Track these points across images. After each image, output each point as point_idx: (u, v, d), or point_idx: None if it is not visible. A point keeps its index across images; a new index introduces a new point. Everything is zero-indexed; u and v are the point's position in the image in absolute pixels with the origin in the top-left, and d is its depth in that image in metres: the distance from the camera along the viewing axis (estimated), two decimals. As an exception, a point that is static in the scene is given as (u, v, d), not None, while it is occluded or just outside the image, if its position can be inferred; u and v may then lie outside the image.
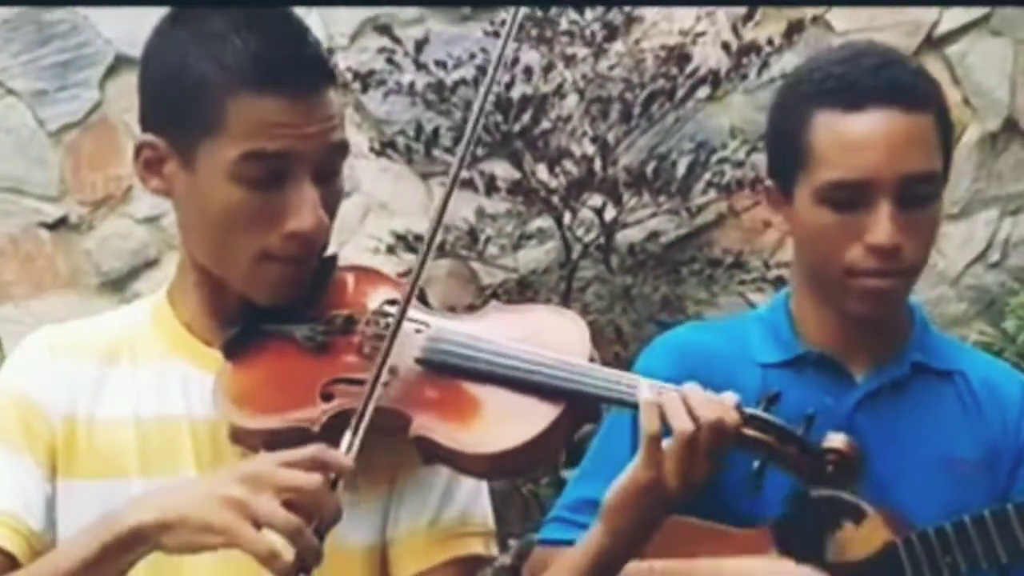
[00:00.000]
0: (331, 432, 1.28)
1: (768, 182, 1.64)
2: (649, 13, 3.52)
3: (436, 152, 3.44)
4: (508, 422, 1.30)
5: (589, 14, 3.30)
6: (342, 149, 1.35)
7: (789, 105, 1.59)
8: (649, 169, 3.25)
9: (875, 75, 1.54)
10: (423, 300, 1.38)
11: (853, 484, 1.35)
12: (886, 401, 1.59)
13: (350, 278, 1.42)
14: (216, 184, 1.31)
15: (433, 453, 1.30)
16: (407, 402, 1.31)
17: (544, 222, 3.43)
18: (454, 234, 3.33)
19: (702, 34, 3.39)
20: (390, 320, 1.32)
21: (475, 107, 1.34)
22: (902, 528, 1.54)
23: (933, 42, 4.08)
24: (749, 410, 1.32)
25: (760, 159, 3.60)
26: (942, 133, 1.56)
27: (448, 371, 1.33)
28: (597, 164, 3.26)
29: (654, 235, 3.59)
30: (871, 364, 1.60)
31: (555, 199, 3.24)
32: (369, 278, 1.44)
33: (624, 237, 3.54)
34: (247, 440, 1.32)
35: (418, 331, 1.34)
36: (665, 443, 1.31)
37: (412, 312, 1.33)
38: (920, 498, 1.56)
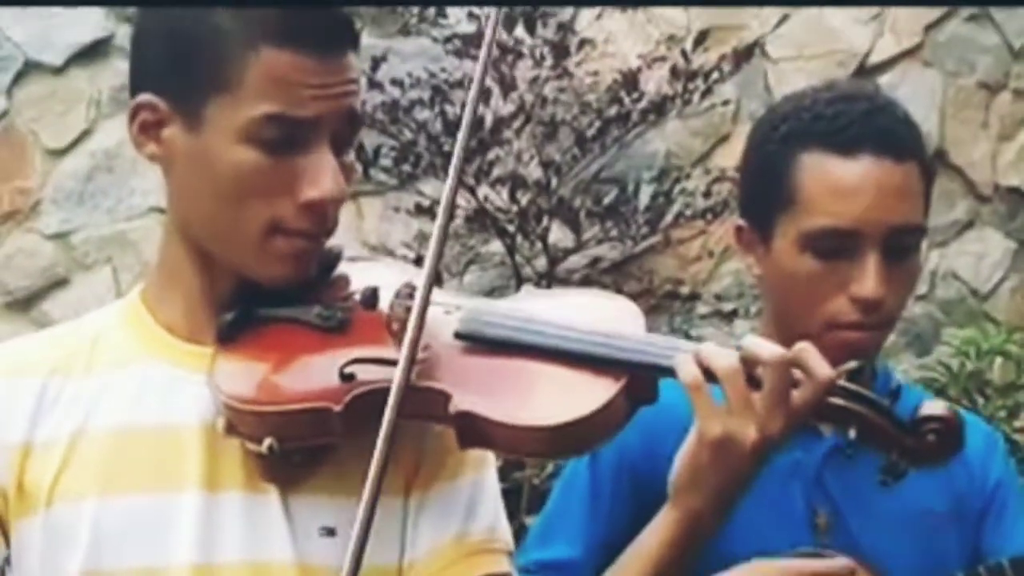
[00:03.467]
0: (354, 417, 1.15)
1: (740, 222, 1.55)
2: (599, 36, 3.45)
3: (372, 171, 3.30)
4: (565, 395, 1.17)
5: (539, 35, 3.20)
6: (359, 120, 1.24)
7: (773, 144, 1.52)
8: (611, 198, 3.16)
9: (868, 120, 1.48)
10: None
11: (954, 456, 1.26)
12: (853, 453, 1.52)
13: (358, 266, 1.28)
14: (226, 146, 1.18)
15: (477, 433, 1.15)
16: (444, 379, 1.16)
17: (489, 247, 3.32)
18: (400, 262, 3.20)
19: (661, 59, 3.32)
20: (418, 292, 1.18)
21: (463, 126, 1.24)
22: None
23: (865, 72, 4.09)
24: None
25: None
26: (926, 183, 1.51)
27: (491, 344, 1.19)
28: (551, 190, 3.16)
29: (595, 261, 3.51)
30: None
31: (511, 227, 3.12)
32: (380, 265, 1.32)
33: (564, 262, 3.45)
34: (253, 428, 1.17)
35: (447, 312, 1.21)
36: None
37: (440, 296, 1.20)
38: (891, 551, 1.51)
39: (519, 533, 2.65)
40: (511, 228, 3.14)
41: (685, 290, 3.43)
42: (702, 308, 3.47)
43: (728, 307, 3.35)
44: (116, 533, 1.19)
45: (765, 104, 4.05)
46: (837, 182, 1.46)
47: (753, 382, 1.20)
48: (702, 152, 3.91)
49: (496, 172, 3.16)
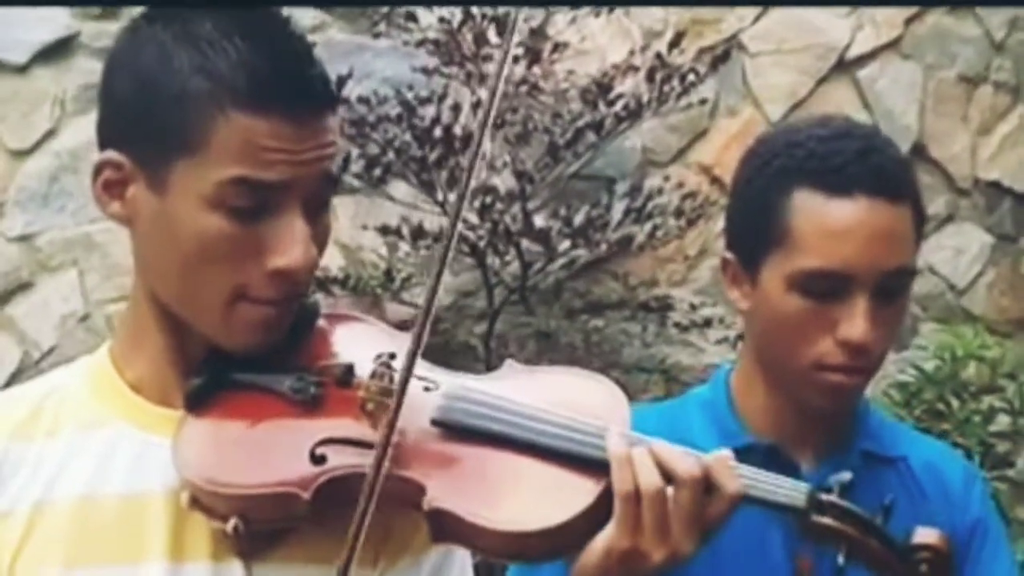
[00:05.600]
0: (322, 502, 1.12)
1: (728, 255, 1.52)
2: (574, 39, 3.39)
3: (344, 177, 3.25)
4: (544, 496, 1.15)
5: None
6: (335, 180, 1.19)
7: (763, 179, 1.49)
8: (582, 217, 3.11)
9: (862, 160, 1.45)
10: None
11: None
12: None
13: (336, 327, 1.24)
14: (191, 210, 1.13)
15: (450, 530, 1.13)
16: (420, 469, 1.14)
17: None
18: (368, 271, 3.15)
19: (633, 68, 3.26)
20: (396, 374, 1.15)
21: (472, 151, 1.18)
22: None
23: (844, 65, 4.04)
24: (824, 496, 1.21)
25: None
26: (917, 224, 1.49)
27: (470, 434, 1.16)
28: (525, 197, 3.11)
29: (569, 263, 3.47)
30: (818, 454, 1.53)
31: (481, 244, 3.08)
32: (359, 327, 1.25)
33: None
34: (217, 507, 1.14)
35: (427, 389, 1.18)
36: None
37: (417, 368, 1.15)
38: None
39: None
40: (481, 244, 3.10)
41: (660, 292, 3.39)
42: (677, 316, 3.42)
43: (705, 314, 3.31)
44: None
45: (743, 99, 4.03)
46: (830, 223, 1.43)
47: (668, 480, 1.17)
48: (679, 148, 3.87)
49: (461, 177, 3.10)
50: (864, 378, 1.48)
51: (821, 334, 1.44)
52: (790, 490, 1.21)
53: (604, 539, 1.16)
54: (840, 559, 1.20)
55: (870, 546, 1.20)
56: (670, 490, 1.16)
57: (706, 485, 1.17)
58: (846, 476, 1.22)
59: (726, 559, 1.44)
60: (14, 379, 3.52)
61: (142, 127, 1.15)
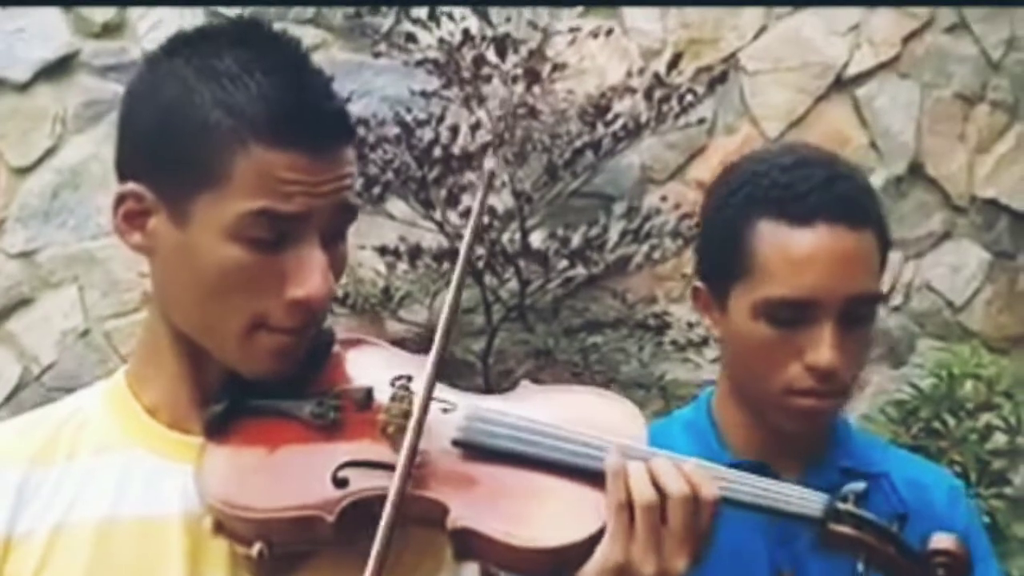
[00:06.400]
0: (346, 525, 1.13)
1: (698, 283, 1.55)
2: (573, 59, 3.41)
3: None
4: (565, 513, 1.17)
5: (511, 60, 3.16)
6: (353, 211, 1.19)
7: (729, 209, 1.51)
8: (579, 238, 3.12)
9: (825, 189, 1.47)
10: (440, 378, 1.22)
11: None
12: None
13: (351, 351, 1.25)
14: (212, 242, 1.15)
15: (475, 549, 1.14)
16: (442, 490, 1.15)
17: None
18: (367, 289, 3.17)
19: (631, 88, 3.28)
20: (415, 396, 1.16)
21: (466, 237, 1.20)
22: None
23: (842, 84, 4.06)
24: (841, 505, 1.22)
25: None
26: (882, 250, 1.51)
27: (490, 454, 1.18)
28: (523, 216, 3.12)
29: (567, 281, 3.48)
30: (798, 472, 1.54)
31: (479, 263, 3.10)
32: (373, 351, 1.26)
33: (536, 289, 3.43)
34: (240, 531, 1.15)
35: (445, 411, 1.20)
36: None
37: (437, 390, 1.17)
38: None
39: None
40: (479, 264, 3.12)
41: (658, 309, 3.41)
42: (674, 333, 3.44)
43: (702, 332, 3.33)
44: None
45: (741, 116, 4.04)
46: (792, 252, 1.45)
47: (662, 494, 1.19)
48: (678, 165, 3.89)
49: (466, 200, 3.12)
50: (835, 401, 1.49)
51: (789, 360, 1.46)
52: (806, 500, 1.23)
53: (599, 554, 1.17)
54: (860, 567, 1.21)
55: (888, 554, 1.21)
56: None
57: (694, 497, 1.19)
58: (860, 486, 1.23)
59: (708, 572, 1.46)
60: (14, 394, 3.53)
61: (163, 160, 1.16)
